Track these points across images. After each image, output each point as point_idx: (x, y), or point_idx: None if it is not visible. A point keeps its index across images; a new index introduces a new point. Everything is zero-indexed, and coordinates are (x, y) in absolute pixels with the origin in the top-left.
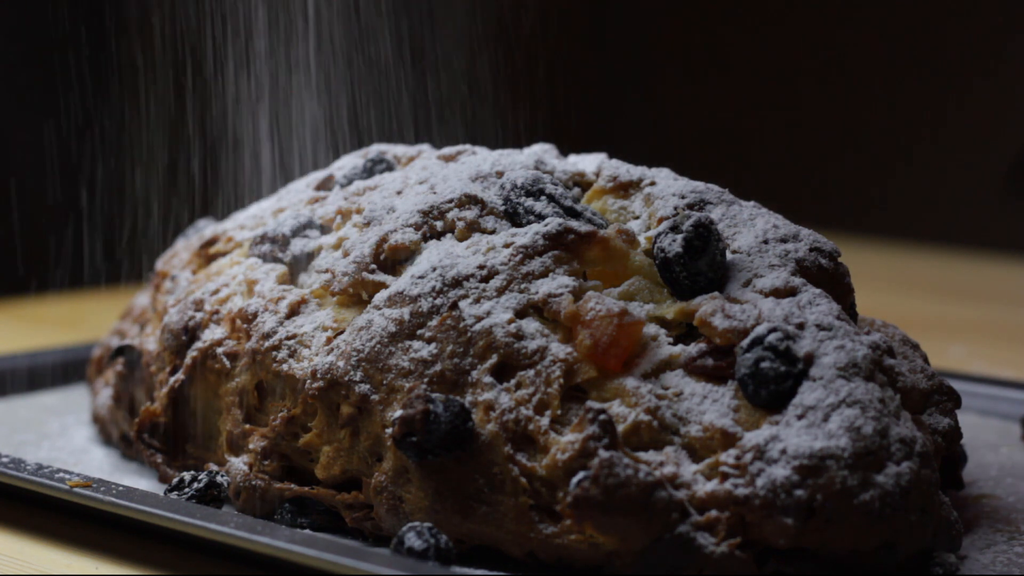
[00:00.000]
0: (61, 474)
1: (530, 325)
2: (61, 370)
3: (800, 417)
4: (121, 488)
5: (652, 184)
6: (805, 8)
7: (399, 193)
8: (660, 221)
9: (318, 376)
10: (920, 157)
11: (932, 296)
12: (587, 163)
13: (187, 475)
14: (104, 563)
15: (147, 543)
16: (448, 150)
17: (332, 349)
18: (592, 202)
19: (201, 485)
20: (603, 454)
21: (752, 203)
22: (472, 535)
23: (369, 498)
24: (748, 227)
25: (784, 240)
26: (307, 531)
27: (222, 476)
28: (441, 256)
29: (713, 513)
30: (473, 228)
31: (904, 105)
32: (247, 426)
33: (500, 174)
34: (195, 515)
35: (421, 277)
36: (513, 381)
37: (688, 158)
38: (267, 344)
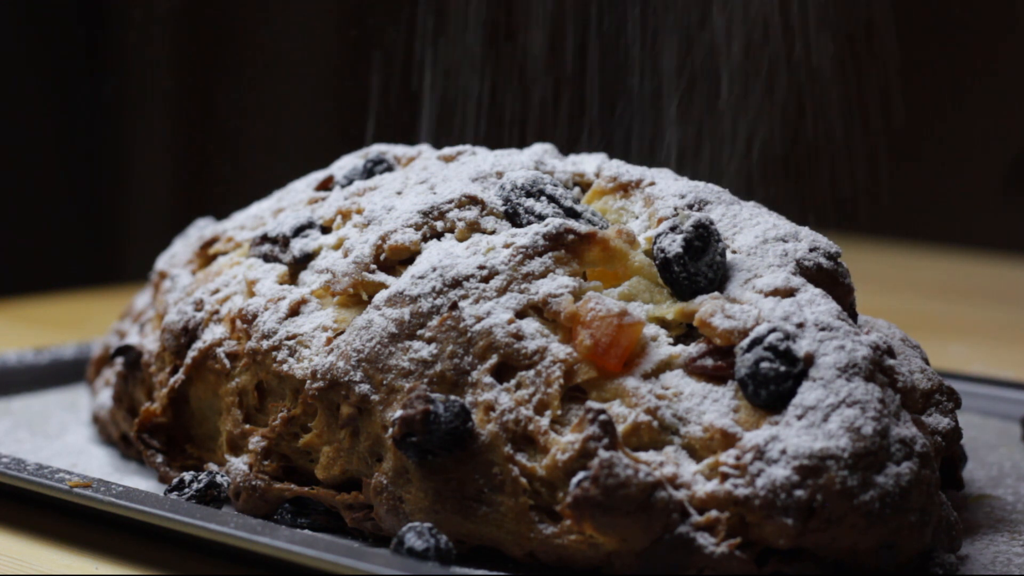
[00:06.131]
0: (61, 474)
1: (530, 325)
2: (61, 370)
3: (800, 417)
4: (121, 488)
5: (652, 184)
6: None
7: (399, 193)
8: (660, 221)
9: (318, 376)
10: (920, 156)
11: (932, 296)
12: (587, 163)
13: (187, 475)
14: (104, 563)
15: (147, 543)
16: (448, 150)
17: (332, 349)
18: (592, 202)
19: (201, 485)
20: (603, 454)
21: (752, 203)
22: (472, 535)
23: (369, 498)
24: (748, 227)
25: (784, 240)
26: (307, 531)
27: (222, 476)
28: (441, 256)
29: (713, 513)
30: (473, 228)
31: (904, 104)
32: (247, 426)
33: (500, 174)
34: (195, 515)
35: (421, 277)
36: (513, 381)
37: (684, 160)
38: (267, 344)
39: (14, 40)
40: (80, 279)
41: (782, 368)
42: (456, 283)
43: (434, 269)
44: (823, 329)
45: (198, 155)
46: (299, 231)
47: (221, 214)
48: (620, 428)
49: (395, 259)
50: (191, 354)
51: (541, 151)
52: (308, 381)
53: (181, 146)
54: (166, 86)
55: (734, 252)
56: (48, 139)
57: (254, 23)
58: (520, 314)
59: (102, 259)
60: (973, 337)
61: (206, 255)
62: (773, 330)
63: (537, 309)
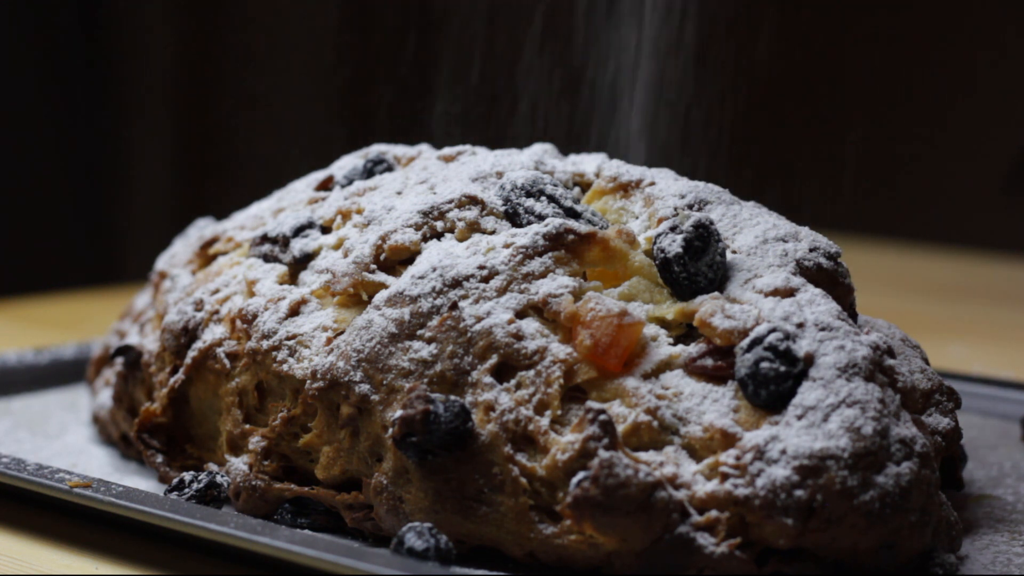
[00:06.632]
0: (61, 474)
1: (530, 325)
2: (61, 370)
3: (800, 417)
4: (121, 488)
5: (652, 184)
6: (804, 5)
7: (399, 193)
8: (660, 221)
9: (318, 376)
10: (920, 156)
11: (932, 296)
12: (587, 163)
13: (187, 475)
14: (104, 563)
15: (147, 543)
16: (448, 150)
17: (332, 349)
18: (592, 202)
19: (201, 485)
20: (603, 454)
21: (752, 203)
22: (472, 535)
23: (369, 498)
24: (748, 227)
25: (784, 240)
26: (307, 531)
27: (222, 476)
28: (441, 256)
29: (713, 513)
30: (473, 228)
31: (904, 104)
32: (247, 426)
33: (500, 174)
34: (195, 515)
35: (421, 277)
36: (513, 381)
37: (686, 161)
38: (267, 344)
39: (14, 41)
40: (80, 279)
41: (782, 368)
42: (456, 283)
43: (434, 269)
44: (823, 329)
45: (198, 155)
46: (299, 231)
47: (221, 214)
48: (620, 428)
49: (395, 259)
50: (191, 354)
51: (541, 151)
52: (308, 381)
53: (181, 146)
54: (166, 86)
55: (734, 252)
56: (48, 140)
57: (255, 24)
58: (520, 314)
59: (102, 259)
60: (973, 337)
61: (206, 255)
62: (773, 330)
63: (537, 309)
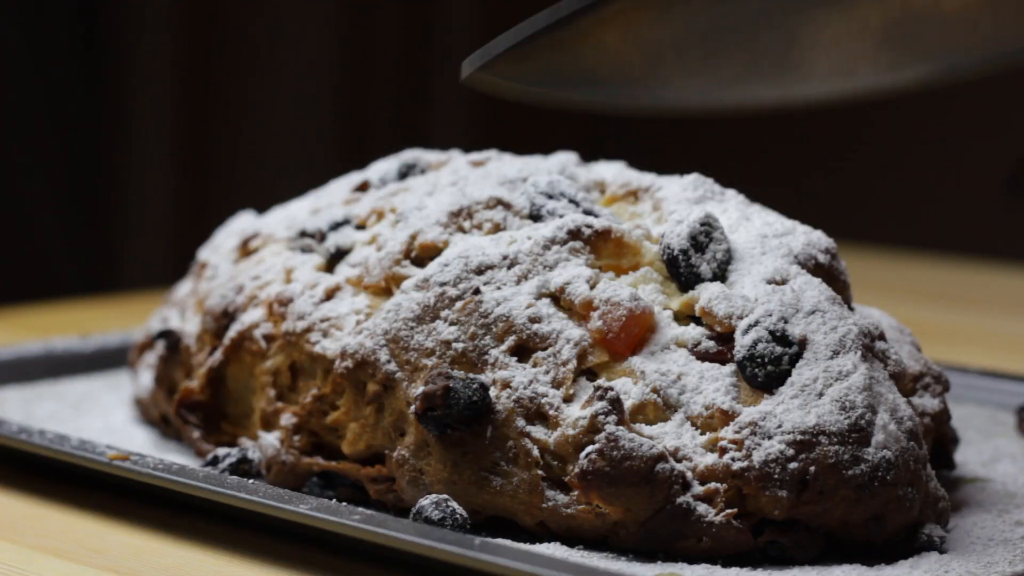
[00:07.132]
0: (102, 448)
1: (547, 311)
2: (105, 357)
3: (795, 395)
4: (159, 462)
5: (660, 189)
6: None
7: (430, 195)
8: (667, 220)
9: (347, 355)
10: (919, 163)
11: (930, 303)
12: (606, 171)
13: (220, 451)
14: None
15: (183, 514)
16: (476, 156)
17: (361, 331)
18: (608, 207)
19: (233, 460)
20: (610, 429)
21: (754, 203)
22: (487, 506)
23: (392, 471)
24: (749, 224)
25: (782, 236)
26: (333, 502)
27: (254, 451)
28: (467, 247)
29: (712, 485)
30: (499, 229)
31: (903, 109)
32: (279, 404)
33: (525, 179)
34: (229, 486)
35: (447, 264)
36: (529, 362)
37: (691, 164)
38: (302, 325)
39: (14, 50)
40: (79, 288)
41: (778, 349)
42: (480, 270)
43: (459, 257)
44: (817, 312)
45: (196, 167)
46: (335, 227)
47: (218, 223)
48: (627, 404)
49: (425, 256)
50: (229, 335)
51: (565, 158)
52: (337, 360)
53: (180, 158)
54: (166, 98)
55: (735, 247)
56: (47, 150)
57: (253, 35)
58: (538, 300)
59: (100, 268)
60: (971, 346)
61: (246, 249)
62: (769, 315)
63: (554, 296)
